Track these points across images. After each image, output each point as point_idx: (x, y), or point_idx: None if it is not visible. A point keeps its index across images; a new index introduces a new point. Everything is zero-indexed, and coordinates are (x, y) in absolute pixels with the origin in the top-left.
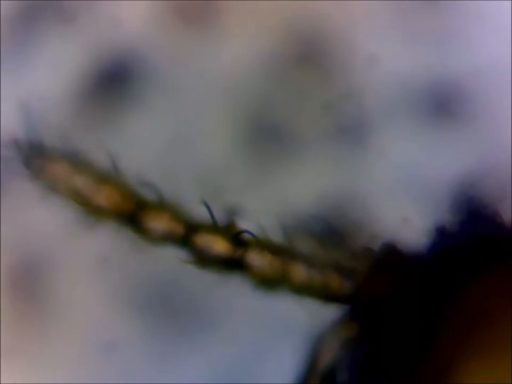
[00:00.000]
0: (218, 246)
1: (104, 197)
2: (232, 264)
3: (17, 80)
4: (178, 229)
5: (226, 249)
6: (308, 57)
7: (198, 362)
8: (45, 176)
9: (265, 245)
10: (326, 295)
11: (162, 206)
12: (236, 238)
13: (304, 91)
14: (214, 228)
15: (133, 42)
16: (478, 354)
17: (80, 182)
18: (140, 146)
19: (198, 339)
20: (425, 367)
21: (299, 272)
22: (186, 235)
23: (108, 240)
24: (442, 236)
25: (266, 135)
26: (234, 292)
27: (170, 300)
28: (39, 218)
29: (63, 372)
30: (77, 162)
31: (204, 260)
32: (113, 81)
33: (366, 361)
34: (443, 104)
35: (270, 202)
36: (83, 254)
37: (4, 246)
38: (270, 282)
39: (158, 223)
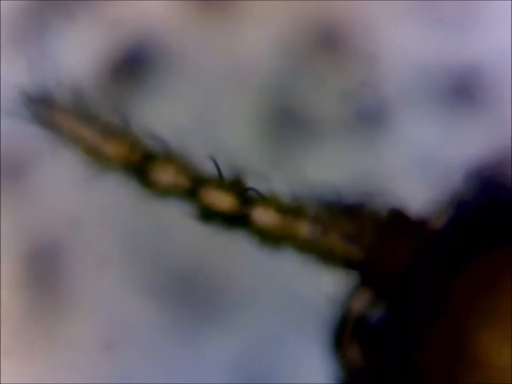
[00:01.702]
0: (224, 201)
1: (112, 146)
2: (237, 221)
3: (35, 64)
4: (185, 182)
5: (232, 205)
6: (327, 44)
7: (219, 345)
8: (54, 126)
9: (271, 203)
10: (330, 257)
11: (169, 158)
12: (242, 194)
13: (323, 77)
14: (221, 183)
15: (154, 28)
16: (489, 320)
17: (89, 132)
18: (159, 128)
19: (219, 323)
20: (437, 332)
21: (304, 231)
22: (192, 188)
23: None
24: (458, 208)
25: (286, 121)
26: (255, 276)
27: (190, 285)
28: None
29: (65, 371)
30: (87, 115)
31: (209, 214)
32: (134, 67)
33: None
34: (461, 89)
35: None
36: (95, 245)
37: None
38: (274, 239)
39: (165, 175)
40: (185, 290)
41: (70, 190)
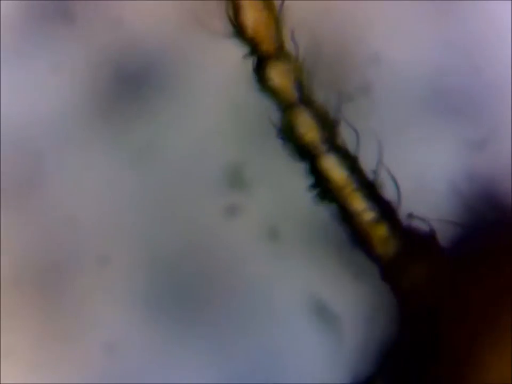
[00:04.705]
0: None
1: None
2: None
3: (29, 77)
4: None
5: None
6: (321, 55)
7: (219, 346)
8: None
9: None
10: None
11: (294, 64)
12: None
13: (322, 77)
14: None
15: (146, 42)
16: (494, 347)
17: None
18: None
19: (219, 323)
20: (441, 365)
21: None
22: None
23: None
24: (464, 225)
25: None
26: (256, 279)
27: (190, 287)
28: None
29: (66, 372)
30: None
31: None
32: (137, 76)
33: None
34: (451, 103)
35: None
36: (95, 245)
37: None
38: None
39: (278, 77)
40: (185, 292)
41: (70, 190)
